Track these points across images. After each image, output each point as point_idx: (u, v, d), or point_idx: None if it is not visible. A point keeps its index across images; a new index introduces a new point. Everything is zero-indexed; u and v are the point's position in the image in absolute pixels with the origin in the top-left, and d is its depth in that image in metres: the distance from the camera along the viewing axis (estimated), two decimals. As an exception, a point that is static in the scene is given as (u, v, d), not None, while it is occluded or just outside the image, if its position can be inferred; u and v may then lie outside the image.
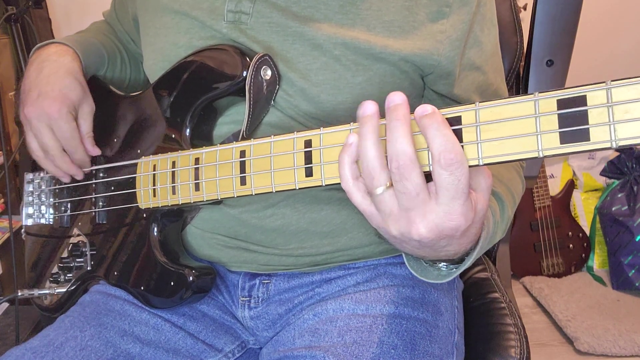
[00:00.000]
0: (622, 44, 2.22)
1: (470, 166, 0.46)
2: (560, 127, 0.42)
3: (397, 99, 0.46)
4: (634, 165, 2.04)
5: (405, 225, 0.48)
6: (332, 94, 0.69)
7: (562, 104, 0.42)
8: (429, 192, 0.46)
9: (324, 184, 0.54)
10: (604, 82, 0.40)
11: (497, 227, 0.62)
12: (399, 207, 0.47)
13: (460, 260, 0.57)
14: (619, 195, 2.05)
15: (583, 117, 0.41)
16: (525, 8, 1.53)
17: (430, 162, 0.46)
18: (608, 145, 0.40)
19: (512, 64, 1.04)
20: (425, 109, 0.45)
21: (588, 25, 1.55)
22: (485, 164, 0.45)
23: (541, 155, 0.42)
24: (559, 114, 0.42)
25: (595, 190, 2.29)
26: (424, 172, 0.47)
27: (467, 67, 0.73)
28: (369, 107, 0.47)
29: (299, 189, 0.56)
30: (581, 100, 0.41)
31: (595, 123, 0.40)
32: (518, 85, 1.17)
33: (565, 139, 0.42)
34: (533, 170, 1.28)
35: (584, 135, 0.41)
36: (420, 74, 0.72)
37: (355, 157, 0.49)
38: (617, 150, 2.07)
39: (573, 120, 0.41)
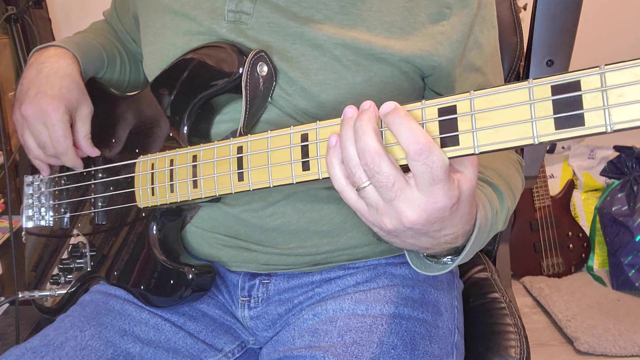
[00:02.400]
0: (622, 44, 2.22)
1: (466, 155, 0.46)
2: (555, 113, 0.42)
3: (364, 106, 0.49)
4: (634, 165, 2.04)
5: (395, 218, 0.48)
6: (332, 94, 0.69)
7: (556, 89, 0.42)
8: (406, 179, 0.47)
9: (320, 177, 0.54)
10: (597, 67, 0.40)
11: (497, 217, 0.62)
12: (383, 201, 0.48)
13: (462, 248, 0.57)
14: (619, 195, 2.05)
15: (577, 102, 0.41)
16: (525, 8, 1.52)
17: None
18: (603, 129, 0.40)
19: (512, 64, 1.04)
20: (388, 106, 0.47)
21: (588, 25, 1.55)
22: (481, 152, 0.46)
23: (537, 142, 0.42)
24: (553, 100, 0.42)
25: (595, 190, 2.29)
26: (401, 165, 0.48)
27: (467, 69, 0.73)
28: (348, 111, 0.50)
29: (296, 183, 0.56)
30: (575, 86, 0.41)
31: (589, 108, 0.40)
32: (518, 85, 1.17)
33: (560, 124, 0.42)
34: (533, 170, 1.28)
35: (579, 120, 0.41)
36: (420, 75, 0.72)
37: (341, 158, 0.50)
38: (616, 149, 2.08)
39: (567, 106, 0.41)
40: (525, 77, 1.23)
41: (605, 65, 0.40)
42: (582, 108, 0.41)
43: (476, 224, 0.54)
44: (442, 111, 0.47)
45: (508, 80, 1.03)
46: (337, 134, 0.51)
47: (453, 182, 0.47)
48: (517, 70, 1.05)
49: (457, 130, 0.46)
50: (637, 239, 1.96)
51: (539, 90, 0.43)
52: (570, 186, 2.14)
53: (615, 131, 0.39)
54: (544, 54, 1.20)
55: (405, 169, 0.48)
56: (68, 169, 0.86)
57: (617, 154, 2.10)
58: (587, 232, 2.16)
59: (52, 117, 0.77)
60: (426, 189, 0.46)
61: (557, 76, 0.42)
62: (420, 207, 0.47)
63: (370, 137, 0.47)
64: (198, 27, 0.73)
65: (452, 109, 0.46)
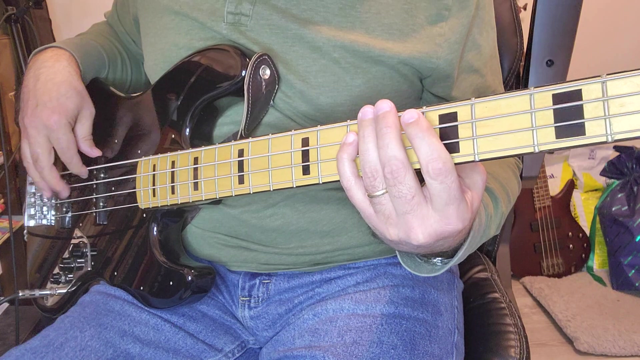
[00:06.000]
0: (622, 44, 2.22)
1: (465, 162, 0.46)
2: (555, 122, 0.42)
3: (385, 107, 0.47)
4: (634, 166, 2.04)
5: (404, 231, 0.48)
6: (331, 96, 0.69)
7: (557, 98, 0.42)
8: (424, 196, 0.46)
9: (320, 182, 0.54)
10: (599, 76, 0.40)
11: (491, 221, 0.62)
12: (396, 212, 0.48)
13: (454, 251, 0.57)
14: (619, 196, 2.05)
15: (578, 112, 0.41)
16: (525, 8, 1.53)
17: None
18: (604, 139, 0.40)
19: (512, 64, 1.04)
20: (411, 115, 0.46)
21: (588, 25, 1.55)
22: (481, 160, 0.45)
23: (537, 150, 0.42)
24: (554, 109, 0.42)
25: (595, 190, 2.29)
26: (415, 169, 0.47)
27: (465, 70, 0.73)
28: (368, 111, 0.48)
29: (296, 187, 0.56)
30: (576, 95, 0.41)
31: (590, 117, 0.40)
32: (518, 85, 1.17)
33: (560, 133, 0.41)
34: (533, 170, 1.27)
35: (580, 130, 0.41)
36: (419, 77, 0.72)
37: (354, 156, 0.49)
38: (616, 149, 2.08)
39: (568, 115, 0.41)
40: (526, 77, 1.23)
41: (607, 74, 0.39)
42: (583, 117, 0.40)
43: (470, 232, 0.54)
44: (442, 117, 0.47)
45: (508, 80, 1.03)
46: (356, 132, 0.49)
47: (467, 204, 0.47)
48: (517, 70, 1.05)
49: (458, 137, 0.46)
50: (637, 239, 1.96)
51: (540, 98, 0.42)
52: (570, 186, 2.14)
53: (615, 141, 0.39)
54: (544, 54, 1.19)
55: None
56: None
57: (617, 154, 2.10)
58: (587, 232, 2.16)
59: (54, 131, 0.78)
60: (441, 208, 0.46)
61: (558, 84, 0.41)
62: (431, 227, 0.47)
63: (397, 146, 0.46)
64: (199, 27, 0.73)
65: (452, 116, 0.46)
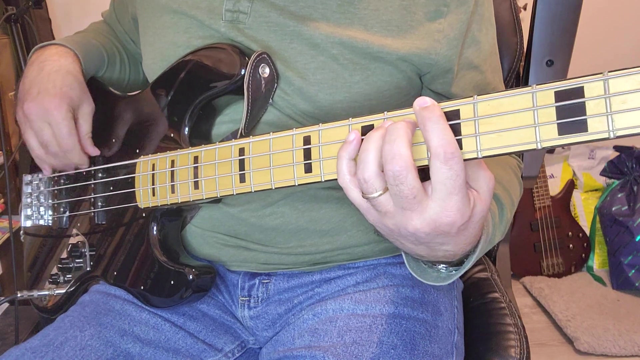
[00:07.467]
0: (622, 44, 2.23)
1: (468, 159, 0.46)
2: (558, 119, 0.42)
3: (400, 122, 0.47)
4: (634, 165, 2.04)
5: (401, 221, 0.48)
6: (329, 93, 0.69)
7: (559, 95, 0.42)
8: (426, 191, 0.46)
9: (323, 180, 0.54)
10: (601, 73, 0.40)
11: (496, 229, 0.62)
12: (395, 207, 0.48)
13: (460, 262, 0.57)
14: (619, 195, 2.05)
15: (581, 109, 0.41)
16: (525, 8, 1.53)
17: (428, 157, 0.46)
18: (606, 135, 0.40)
19: (512, 64, 1.04)
20: (424, 101, 0.46)
21: (588, 25, 1.55)
22: (484, 157, 0.45)
23: (539, 147, 0.42)
24: (556, 106, 0.42)
25: (595, 190, 2.29)
26: (421, 166, 0.47)
27: (464, 67, 0.73)
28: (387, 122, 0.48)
29: (299, 185, 0.56)
30: (578, 92, 0.41)
31: (592, 114, 0.40)
32: (518, 85, 1.17)
33: (563, 130, 0.42)
34: (533, 170, 1.28)
35: (582, 126, 0.41)
36: (418, 73, 0.72)
37: (353, 155, 0.49)
38: (616, 149, 2.07)
39: (571, 112, 0.41)
40: (526, 77, 1.23)
41: (609, 71, 0.40)
42: (585, 114, 0.41)
43: (478, 246, 0.54)
44: (445, 115, 0.47)
45: (508, 80, 1.03)
46: (357, 130, 0.49)
47: (468, 201, 0.47)
48: (517, 70, 1.05)
49: (461, 134, 0.46)
50: (637, 239, 1.96)
51: (542, 96, 0.43)
52: (570, 186, 2.14)
53: (617, 137, 0.40)
54: (544, 54, 1.20)
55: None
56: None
57: (617, 154, 2.10)
58: (587, 232, 2.16)
59: (55, 116, 0.77)
60: (442, 198, 0.45)
61: (560, 82, 0.42)
62: (430, 218, 0.46)
63: (404, 144, 0.45)
64: (198, 25, 0.73)
65: (455, 113, 0.46)
